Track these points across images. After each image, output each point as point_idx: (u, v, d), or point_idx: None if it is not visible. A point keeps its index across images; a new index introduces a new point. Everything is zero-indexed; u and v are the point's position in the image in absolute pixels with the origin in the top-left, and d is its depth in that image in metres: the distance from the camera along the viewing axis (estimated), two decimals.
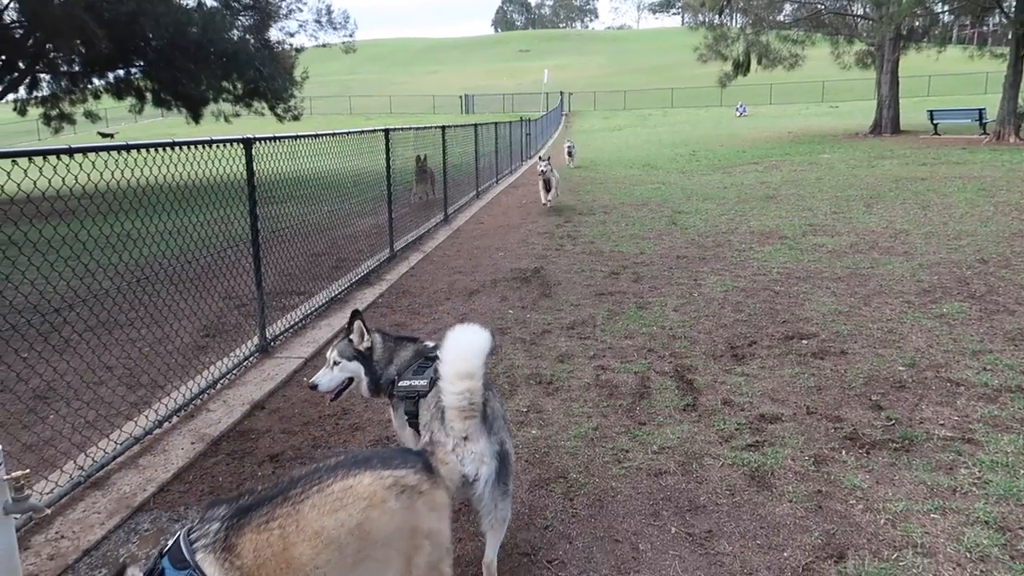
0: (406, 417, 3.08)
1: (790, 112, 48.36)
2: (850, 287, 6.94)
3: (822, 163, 19.40)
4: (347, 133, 7.96)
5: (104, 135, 46.56)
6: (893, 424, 4.04)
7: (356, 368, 3.24)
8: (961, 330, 5.57)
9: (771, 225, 10.53)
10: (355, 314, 3.28)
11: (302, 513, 1.87)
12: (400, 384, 3.08)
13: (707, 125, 42.16)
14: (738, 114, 48.96)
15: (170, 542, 1.85)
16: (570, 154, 22.36)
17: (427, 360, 3.11)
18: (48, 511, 2.00)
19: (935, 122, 26.94)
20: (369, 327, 3.30)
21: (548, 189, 13.29)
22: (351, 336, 3.25)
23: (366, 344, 3.25)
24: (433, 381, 2.93)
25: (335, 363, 3.23)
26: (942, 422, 4.04)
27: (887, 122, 29.11)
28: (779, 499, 3.33)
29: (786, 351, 5.31)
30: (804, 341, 5.50)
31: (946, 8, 30.52)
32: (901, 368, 4.86)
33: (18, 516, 2.01)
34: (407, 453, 2.23)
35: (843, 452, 3.75)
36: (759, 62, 32.59)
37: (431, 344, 3.26)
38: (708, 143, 29.48)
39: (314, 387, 3.24)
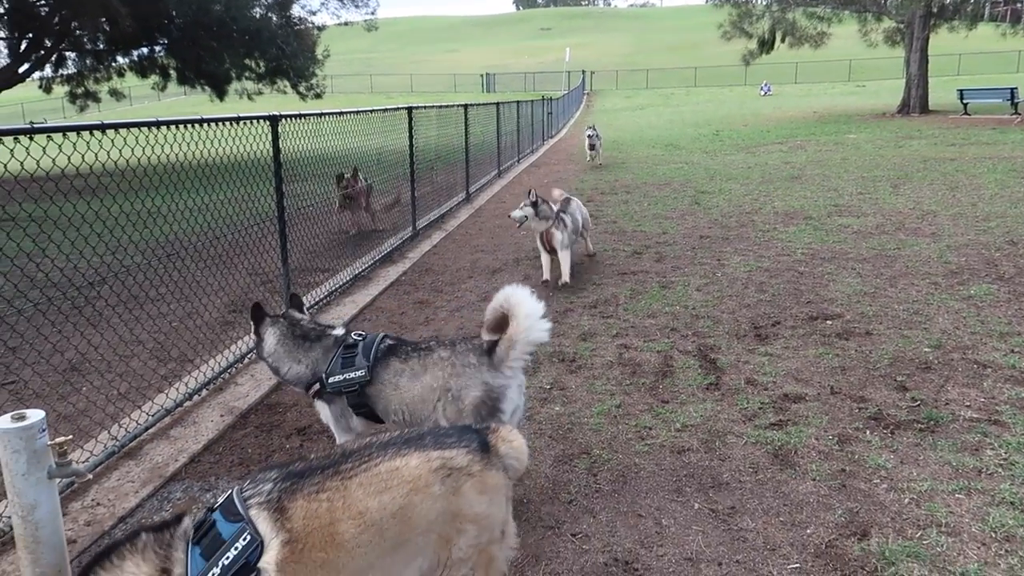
0: (351, 409, 3.10)
1: (815, 91, 47.66)
2: (876, 268, 6.88)
3: (848, 143, 19.14)
4: (371, 111, 7.98)
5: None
6: (918, 405, 4.02)
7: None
8: (989, 312, 5.52)
9: (796, 205, 10.44)
10: (254, 307, 3.29)
11: (349, 490, 1.87)
12: (332, 380, 3.05)
13: (731, 104, 41.69)
14: (762, 93, 48.32)
15: (221, 498, 1.88)
16: (592, 146, 16.86)
17: (348, 349, 3.09)
18: (90, 476, 2.07)
19: (965, 102, 26.41)
20: (269, 318, 3.26)
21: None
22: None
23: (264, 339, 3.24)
24: (370, 368, 3.01)
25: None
26: (968, 403, 4.02)
27: (915, 101, 28.60)
28: (802, 477, 3.34)
29: (810, 331, 5.29)
30: (828, 321, 5.48)
31: None
32: (927, 349, 4.83)
33: (61, 480, 2.07)
34: (465, 430, 2.16)
35: (867, 432, 3.75)
36: (784, 40, 32.07)
37: (341, 332, 3.22)
38: (732, 123, 29.17)
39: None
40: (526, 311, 2.91)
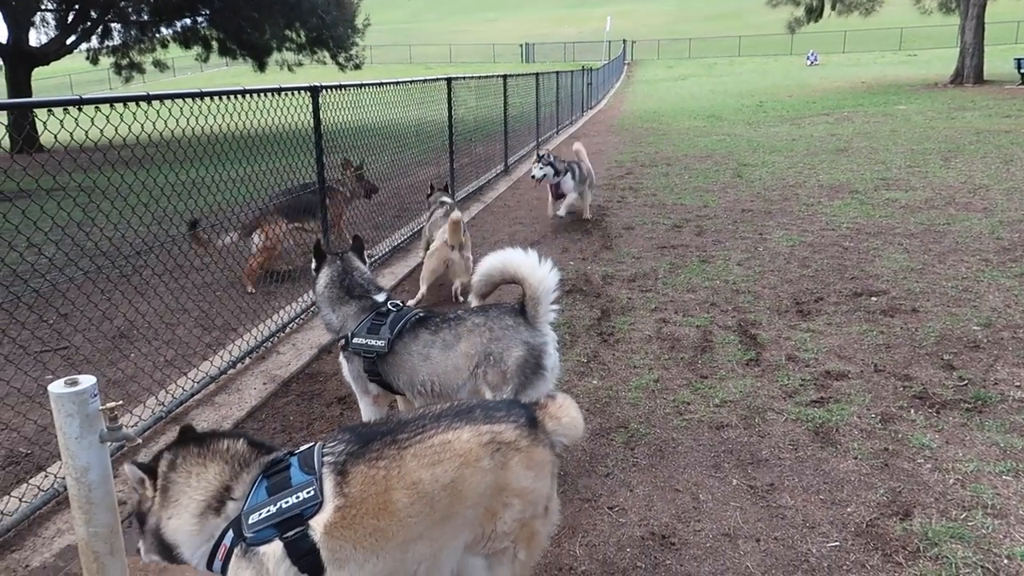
0: (366, 375, 3.17)
1: (864, 61, 46.25)
2: (924, 244, 6.70)
3: (897, 114, 18.59)
4: (410, 82, 7.96)
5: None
6: (966, 384, 3.93)
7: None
8: None
9: (841, 179, 10.20)
10: (316, 245, 3.41)
11: (404, 460, 1.91)
12: (355, 342, 3.13)
13: (776, 75, 40.70)
14: (809, 63, 47.08)
15: (303, 447, 1.98)
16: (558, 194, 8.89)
17: (379, 316, 3.14)
18: (139, 440, 2.13)
19: (1023, 71, 25.42)
20: (329, 256, 3.39)
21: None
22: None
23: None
24: (390, 342, 3.07)
25: None
26: (1018, 384, 3.92)
27: (970, 71, 27.59)
28: (844, 456, 3.30)
29: (854, 308, 5.19)
30: (873, 298, 5.36)
31: None
32: (976, 328, 4.71)
33: (112, 444, 2.13)
34: (513, 405, 2.19)
35: (912, 411, 3.68)
36: (833, 7, 31.15)
37: (381, 299, 3.27)
38: (776, 93, 28.51)
39: None
40: (529, 267, 2.99)
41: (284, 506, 1.81)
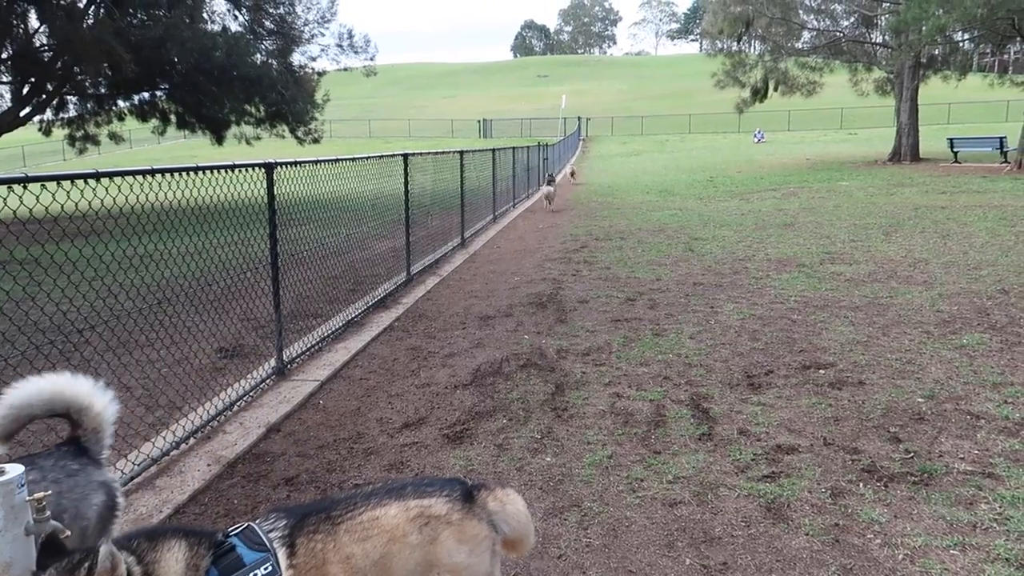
0: None
1: (808, 139, 48.32)
2: (868, 316, 6.89)
3: (840, 190, 19.34)
4: (366, 158, 8.05)
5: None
6: (912, 457, 3.99)
7: None
8: (981, 361, 5.51)
9: (789, 253, 10.50)
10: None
11: (338, 535, 1.95)
12: None
13: (725, 151, 42.20)
14: (756, 140, 48.97)
15: (238, 527, 1.96)
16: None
17: None
18: (68, 533, 2.03)
19: (955, 150, 26.80)
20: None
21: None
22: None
23: None
24: None
25: None
26: (962, 456, 3.99)
27: (906, 150, 29.01)
28: (795, 532, 3.30)
29: (803, 380, 5.27)
30: (821, 371, 5.46)
31: (966, 36, 30.50)
32: (920, 400, 4.81)
33: (38, 536, 2.03)
34: (448, 481, 2.18)
35: (861, 485, 3.71)
36: (777, 88, 32.68)
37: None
38: (726, 169, 29.49)
39: None
40: (88, 394, 2.48)
41: None
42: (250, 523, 1.98)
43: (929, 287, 7.97)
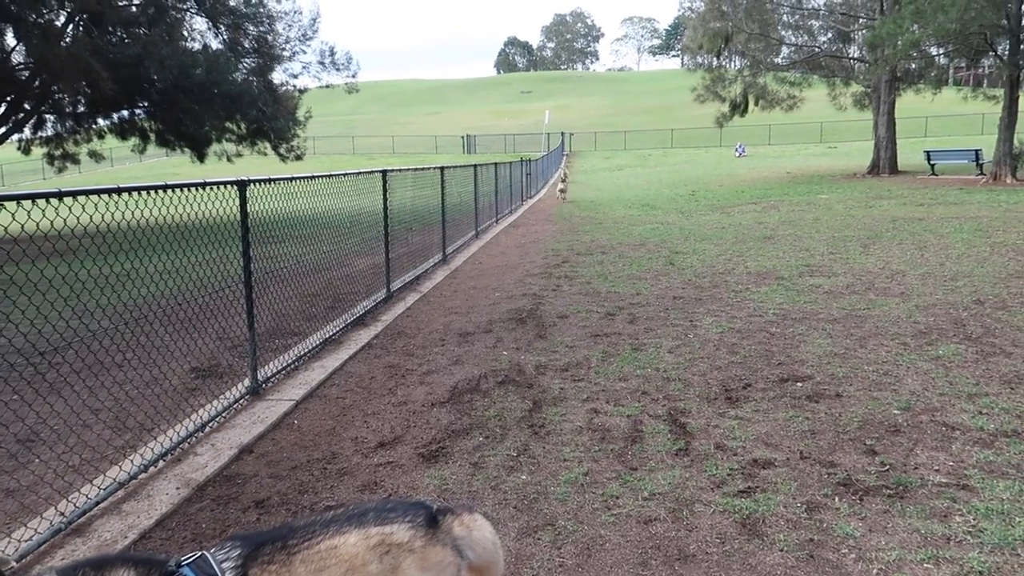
0: None
1: (789, 152, 48.78)
2: (846, 328, 6.91)
3: (820, 203, 19.50)
4: (343, 175, 8.01)
5: None
6: (887, 469, 3.98)
7: None
8: (957, 373, 5.53)
9: (768, 266, 10.54)
10: None
11: (293, 566, 1.86)
12: None
13: (707, 165, 42.50)
14: (737, 154, 49.38)
15: (191, 556, 1.87)
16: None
17: None
18: (15, 564, 1.96)
19: (932, 163, 27.14)
20: None
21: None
22: None
23: None
24: None
25: None
26: (937, 468, 3.99)
27: (885, 162, 29.34)
28: (770, 548, 3.27)
29: (780, 394, 5.27)
30: (799, 384, 5.46)
31: (941, 51, 30.97)
32: (896, 412, 4.81)
33: None
34: (412, 505, 2.11)
35: (836, 499, 3.69)
36: (756, 103, 33.00)
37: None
38: (707, 183, 29.69)
39: None
40: None
41: None
42: (204, 552, 1.90)
43: (906, 298, 8.02)
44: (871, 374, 5.59)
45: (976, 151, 26.02)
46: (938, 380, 5.39)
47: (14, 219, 3.30)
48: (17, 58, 20.53)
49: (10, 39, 19.98)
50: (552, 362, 6.27)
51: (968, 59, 32.71)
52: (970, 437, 4.36)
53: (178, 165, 48.39)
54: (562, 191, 26.35)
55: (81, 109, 23.11)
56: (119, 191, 3.93)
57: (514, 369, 6.11)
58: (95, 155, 26.36)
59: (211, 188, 5.05)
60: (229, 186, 5.27)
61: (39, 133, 24.51)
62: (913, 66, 30.44)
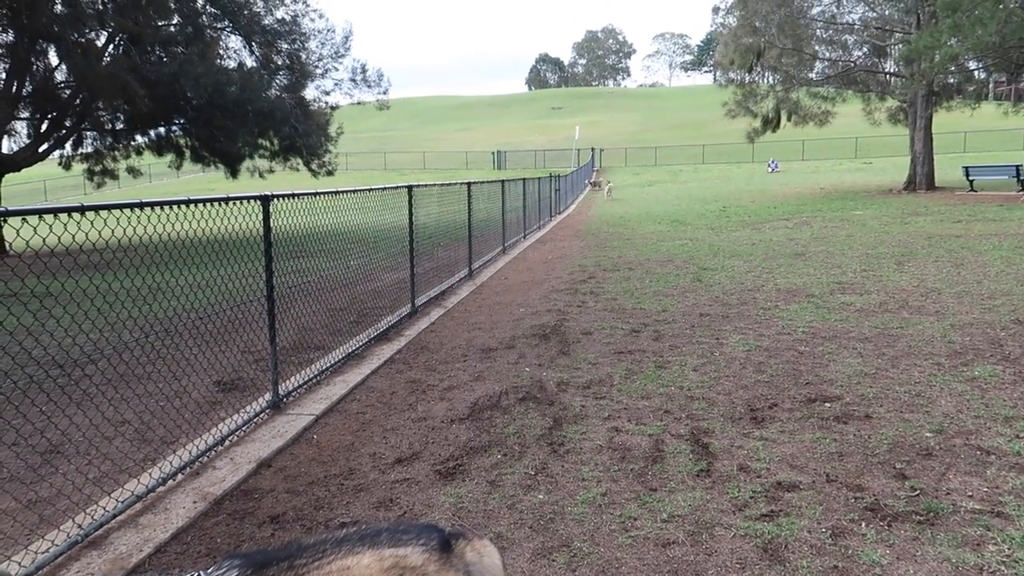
0: None
1: (823, 168, 48.18)
2: (877, 348, 6.74)
3: (854, 220, 19.18)
4: (368, 190, 8.05)
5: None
6: (917, 495, 3.85)
7: None
8: (993, 395, 5.35)
9: (798, 283, 10.36)
10: None
11: None
12: None
13: (738, 181, 42.14)
14: (770, 170, 48.90)
15: None
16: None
17: None
18: (12, 573, 1.95)
19: (971, 179, 26.57)
20: None
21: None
22: None
23: None
24: None
25: None
26: (970, 493, 3.84)
27: (921, 178, 28.79)
28: (792, 574, 3.16)
29: (808, 414, 5.13)
30: (827, 404, 5.32)
31: (980, 65, 30.40)
32: (928, 434, 4.66)
33: None
34: (425, 528, 2.06)
35: (863, 524, 3.57)
36: (789, 118, 32.65)
37: None
38: (739, 199, 29.41)
39: None
40: None
41: None
42: (200, 572, 1.86)
43: (941, 317, 7.81)
44: (903, 395, 5.43)
45: (1017, 167, 25.41)
46: (973, 402, 5.21)
47: (35, 233, 3.35)
48: (59, 76, 21.11)
49: (53, 58, 20.56)
50: (574, 379, 6.20)
51: (1009, 73, 32.07)
52: (1006, 462, 4.20)
53: (214, 181, 49.28)
54: (609, 190, 35.07)
55: (119, 126, 23.66)
56: (140, 205, 3.97)
57: (535, 386, 6.05)
58: (133, 171, 26.93)
59: (234, 203, 5.09)
60: (252, 201, 5.31)
61: (79, 149, 25.15)
62: (951, 80, 29.91)
